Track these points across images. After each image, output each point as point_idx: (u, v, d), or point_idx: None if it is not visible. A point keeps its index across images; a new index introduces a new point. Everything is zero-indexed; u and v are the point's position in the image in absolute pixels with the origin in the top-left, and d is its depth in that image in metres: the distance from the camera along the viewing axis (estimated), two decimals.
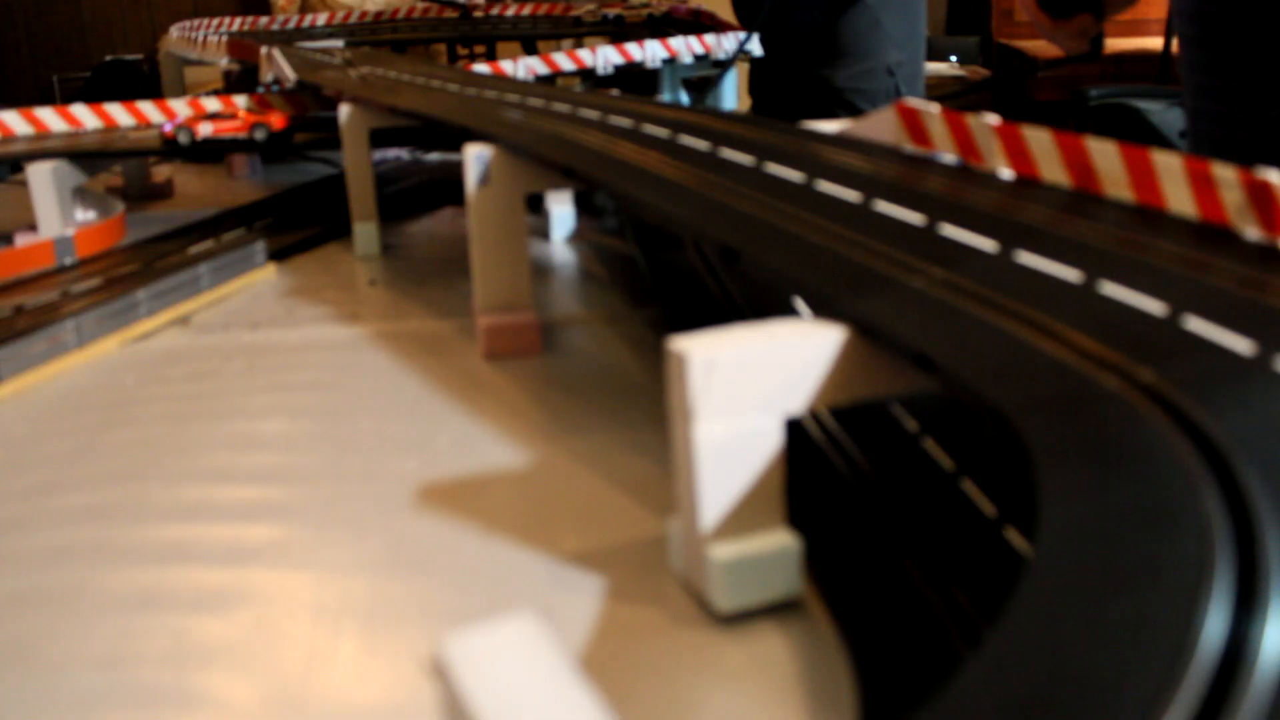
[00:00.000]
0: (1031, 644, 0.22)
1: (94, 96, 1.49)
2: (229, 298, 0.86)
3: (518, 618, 0.26)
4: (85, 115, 1.20)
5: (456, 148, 0.70)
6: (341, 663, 0.39)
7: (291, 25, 1.88)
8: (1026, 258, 0.43)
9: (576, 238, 1.01)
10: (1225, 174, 0.45)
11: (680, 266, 0.80)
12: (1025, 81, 2.95)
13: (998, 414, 0.31)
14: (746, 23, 1.52)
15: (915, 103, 0.64)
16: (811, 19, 1.46)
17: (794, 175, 0.58)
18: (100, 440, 0.60)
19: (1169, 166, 0.48)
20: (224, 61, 1.60)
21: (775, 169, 0.60)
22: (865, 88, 1.47)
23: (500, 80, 1.14)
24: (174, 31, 1.84)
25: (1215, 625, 0.21)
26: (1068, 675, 0.21)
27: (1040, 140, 0.55)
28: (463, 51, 2.29)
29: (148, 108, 1.22)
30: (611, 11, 1.80)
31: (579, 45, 1.67)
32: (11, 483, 0.56)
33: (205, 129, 1.08)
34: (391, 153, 1.39)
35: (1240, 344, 0.33)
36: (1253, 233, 0.44)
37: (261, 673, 0.39)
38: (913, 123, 0.64)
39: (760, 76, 1.63)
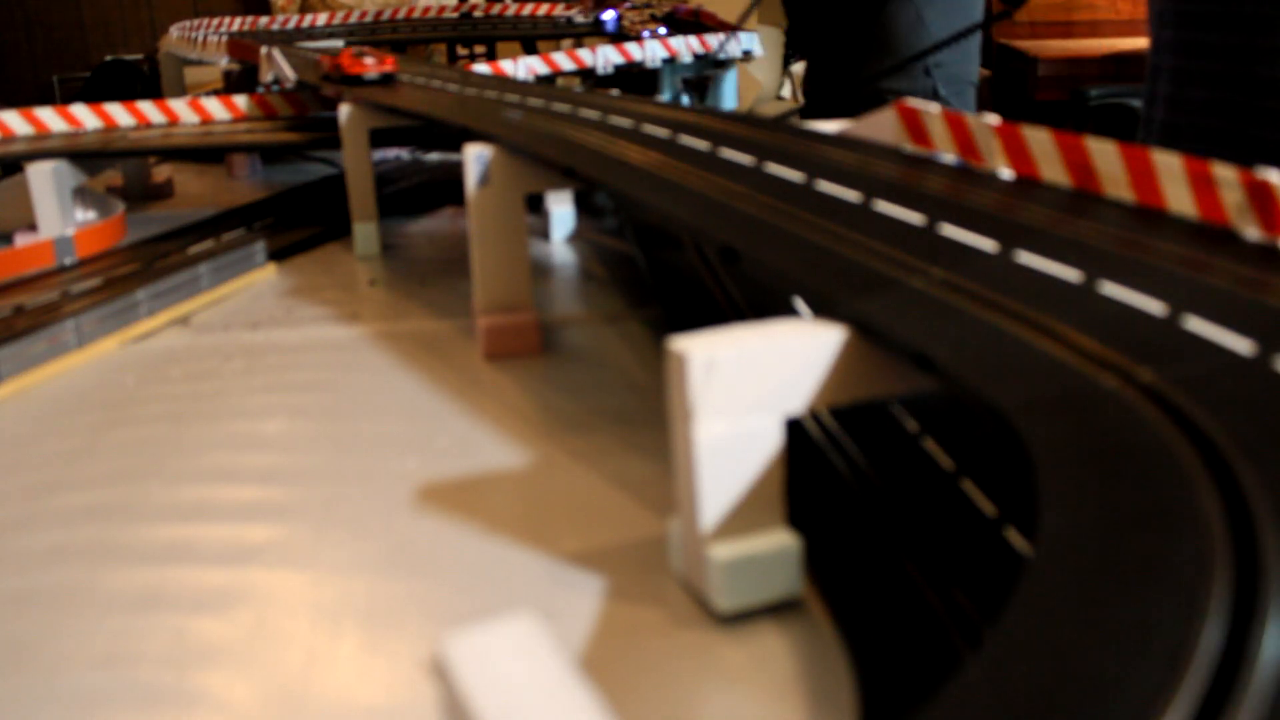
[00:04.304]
0: (1031, 644, 0.22)
1: (94, 96, 1.49)
2: (229, 298, 0.86)
3: (518, 618, 0.26)
4: (85, 115, 1.20)
5: (456, 148, 0.70)
6: (341, 663, 0.39)
7: (291, 25, 1.88)
8: (1026, 258, 0.43)
9: (576, 238, 1.01)
10: (1225, 174, 0.45)
11: (680, 266, 0.80)
12: (1025, 81, 2.95)
13: (997, 414, 0.31)
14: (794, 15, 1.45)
15: (915, 103, 0.64)
16: (851, 11, 1.41)
17: (794, 175, 0.58)
18: (100, 440, 0.60)
19: (1169, 166, 0.48)
20: (224, 61, 1.60)
21: (775, 169, 0.60)
22: (901, 88, 1.41)
23: (500, 80, 1.14)
24: (174, 31, 1.84)
25: (1215, 626, 0.21)
26: (1068, 676, 0.21)
27: (1040, 140, 0.55)
28: (463, 51, 2.29)
29: (148, 108, 1.22)
30: (617, 11, 1.80)
31: (579, 45, 1.66)
32: (11, 483, 0.56)
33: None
34: (391, 153, 1.39)
35: (1240, 344, 0.33)
36: (1253, 233, 0.44)
37: (261, 673, 0.39)
38: (913, 123, 0.64)
39: (810, 75, 1.59)
